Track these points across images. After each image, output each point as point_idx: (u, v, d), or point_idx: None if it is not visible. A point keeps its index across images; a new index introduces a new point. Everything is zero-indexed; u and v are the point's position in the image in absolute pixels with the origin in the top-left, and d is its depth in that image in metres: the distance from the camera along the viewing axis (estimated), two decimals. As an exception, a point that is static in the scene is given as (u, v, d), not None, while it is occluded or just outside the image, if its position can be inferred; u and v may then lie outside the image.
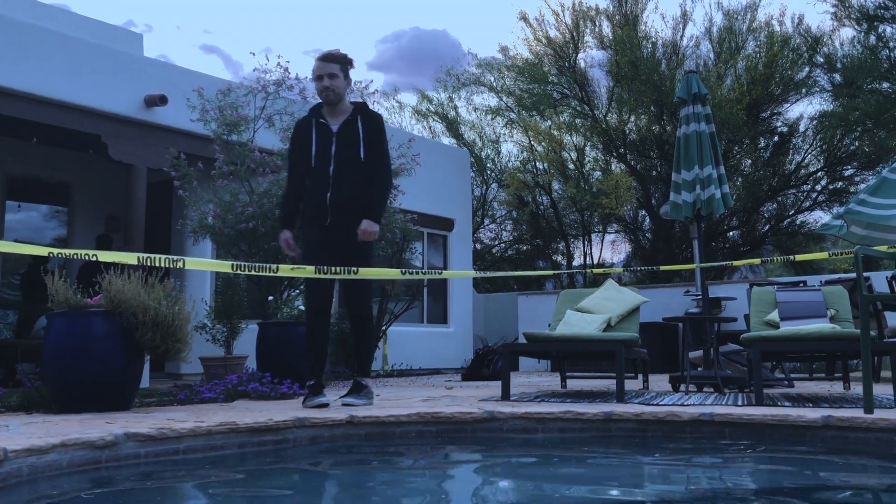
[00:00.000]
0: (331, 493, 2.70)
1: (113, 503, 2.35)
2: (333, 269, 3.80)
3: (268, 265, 3.59)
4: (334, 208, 4.49)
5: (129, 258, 3.25)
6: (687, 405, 4.16)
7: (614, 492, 2.69)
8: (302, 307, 6.11)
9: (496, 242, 21.94)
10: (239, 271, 3.59)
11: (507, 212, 21.04)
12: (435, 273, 4.50)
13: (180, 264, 3.39)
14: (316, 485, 2.83)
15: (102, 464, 2.71)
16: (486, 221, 21.46)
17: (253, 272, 3.61)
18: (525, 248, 21.08)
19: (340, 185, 4.51)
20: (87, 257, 3.12)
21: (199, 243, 8.09)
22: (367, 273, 3.99)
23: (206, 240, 7.67)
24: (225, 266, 3.65)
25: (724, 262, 6.03)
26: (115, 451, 2.75)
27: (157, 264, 3.32)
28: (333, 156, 4.52)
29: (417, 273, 4.34)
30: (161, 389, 6.30)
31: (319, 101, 4.70)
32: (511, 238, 21.80)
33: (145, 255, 3.24)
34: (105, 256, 3.20)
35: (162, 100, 8.10)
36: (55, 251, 3.07)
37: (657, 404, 4.24)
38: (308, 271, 3.77)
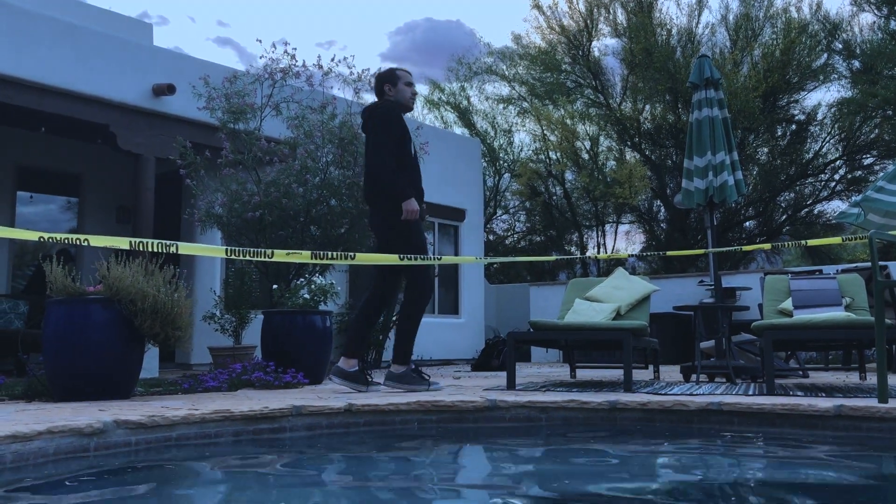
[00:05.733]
0: (323, 482, 2.63)
1: (95, 491, 2.30)
2: (330, 254, 3.74)
3: (262, 250, 3.52)
4: (422, 202, 5.05)
5: (122, 243, 3.19)
6: (695, 395, 4.06)
7: (608, 482, 2.61)
8: (307, 296, 6.04)
9: (509, 233, 21.82)
10: (234, 256, 3.53)
11: (519, 202, 20.92)
12: (435, 259, 4.42)
13: (173, 249, 3.33)
14: (308, 473, 2.77)
15: (91, 452, 2.66)
16: (499, 212, 21.35)
17: (247, 257, 3.55)
18: (538, 238, 20.95)
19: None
20: (78, 242, 3.07)
21: (207, 232, 8.05)
22: (363, 259, 3.92)
23: (213, 229, 7.63)
24: (219, 251, 3.59)
25: (733, 248, 5.90)
26: (103, 438, 2.69)
27: (150, 249, 3.26)
28: (417, 155, 5.15)
29: (417, 259, 4.25)
30: (168, 379, 6.28)
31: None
32: (524, 229, 21.67)
33: (137, 241, 3.19)
34: (97, 241, 3.14)
35: (170, 89, 8.07)
36: (46, 235, 3.03)
37: (665, 394, 4.14)
38: (304, 256, 3.71)
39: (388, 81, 5.11)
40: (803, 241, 5.83)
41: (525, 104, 20.04)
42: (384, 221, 4.82)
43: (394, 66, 5.24)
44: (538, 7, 18.71)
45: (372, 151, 4.89)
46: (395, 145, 4.87)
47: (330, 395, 4.19)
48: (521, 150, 21.11)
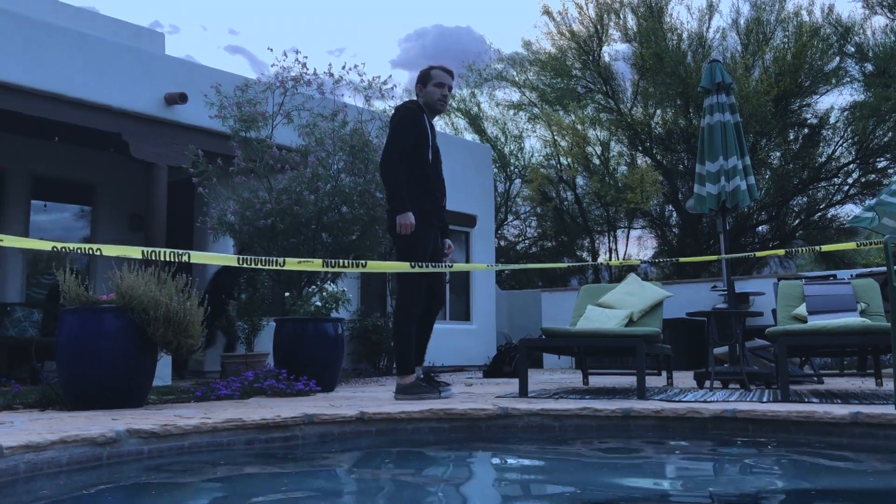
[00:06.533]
0: (335, 492, 2.63)
1: (107, 501, 2.30)
2: (342, 262, 3.74)
3: (273, 258, 3.53)
4: (441, 209, 4.97)
5: (134, 252, 3.21)
6: (709, 402, 4.03)
7: (622, 489, 2.59)
8: (318, 303, 6.04)
9: (520, 239, 21.79)
10: (246, 265, 3.54)
11: (530, 208, 20.89)
12: (447, 266, 4.42)
13: (185, 258, 3.34)
14: (320, 483, 2.76)
15: (104, 461, 2.66)
16: (510, 218, 21.32)
17: (259, 265, 3.56)
18: (549, 244, 20.91)
19: (443, 189, 5.02)
20: (90, 252, 3.09)
21: (220, 240, 8.09)
22: (374, 266, 3.92)
23: (226, 237, 7.66)
24: (231, 259, 3.60)
25: (746, 254, 5.86)
26: (116, 447, 2.70)
27: (162, 258, 3.28)
28: (437, 159, 5.00)
29: (428, 267, 4.24)
30: (181, 387, 6.30)
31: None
32: (535, 235, 21.64)
33: (150, 250, 3.20)
34: (109, 251, 3.16)
35: (182, 98, 8.11)
36: (59, 245, 3.04)
37: (678, 401, 4.12)
38: (315, 264, 3.72)
39: (419, 81, 5.09)
40: (818, 247, 5.79)
41: (535, 110, 20.03)
42: (391, 226, 4.75)
43: (436, 63, 5.18)
44: (548, 13, 18.71)
45: (382, 152, 4.90)
46: (407, 147, 4.82)
47: (342, 403, 4.19)
48: (531, 156, 21.09)
